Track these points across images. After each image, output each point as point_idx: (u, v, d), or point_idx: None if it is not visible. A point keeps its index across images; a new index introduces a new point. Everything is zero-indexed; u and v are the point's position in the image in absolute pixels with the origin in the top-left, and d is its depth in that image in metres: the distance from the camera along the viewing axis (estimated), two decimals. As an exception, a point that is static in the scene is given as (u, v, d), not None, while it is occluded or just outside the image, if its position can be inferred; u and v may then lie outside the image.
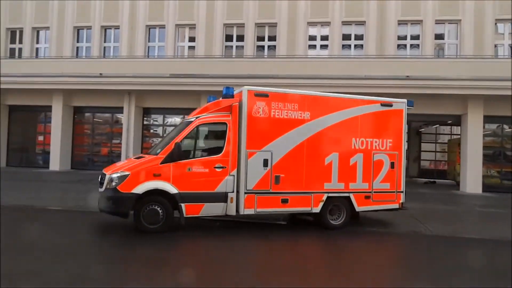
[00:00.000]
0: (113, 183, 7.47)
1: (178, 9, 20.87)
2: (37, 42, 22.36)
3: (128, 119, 20.33)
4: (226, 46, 20.64)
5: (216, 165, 7.90)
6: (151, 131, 21.62)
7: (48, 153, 21.09)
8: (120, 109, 20.53)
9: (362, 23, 19.54)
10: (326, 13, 19.69)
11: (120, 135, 20.84)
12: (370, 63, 17.95)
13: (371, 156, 8.78)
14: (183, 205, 7.68)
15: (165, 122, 21.30)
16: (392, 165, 8.92)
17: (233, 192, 7.91)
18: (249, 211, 7.98)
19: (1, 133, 21.98)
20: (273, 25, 20.18)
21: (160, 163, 7.64)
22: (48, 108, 21.18)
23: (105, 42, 21.67)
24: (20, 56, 22.08)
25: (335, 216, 8.71)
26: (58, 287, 4.76)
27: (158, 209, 7.64)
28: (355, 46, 19.67)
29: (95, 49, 21.41)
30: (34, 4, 22.11)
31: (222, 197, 7.86)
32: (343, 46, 19.68)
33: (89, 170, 20.76)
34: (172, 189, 7.62)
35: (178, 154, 7.66)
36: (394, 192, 8.91)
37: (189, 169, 7.75)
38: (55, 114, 20.88)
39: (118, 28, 21.39)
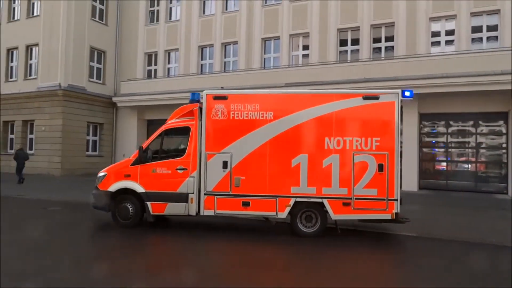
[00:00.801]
0: (96, 182, 8.49)
1: (292, 19, 21.26)
2: (168, 63, 24.99)
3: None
4: (340, 52, 20.32)
5: (178, 167, 8.17)
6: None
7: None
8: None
9: (495, 12, 17.38)
10: (451, 6, 18.03)
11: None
12: (507, 56, 15.77)
13: (351, 157, 7.63)
14: (149, 203, 8.21)
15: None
16: (381, 167, 7.49)
17: (193, 193, 8.04)
18: (209, 212, 8.01)
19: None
20: (390, 25, 19.22)
21: (130, 165, 8.33)
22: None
23: (225, 57, 23.17)
24: (155, 76, 24.95)
25: (309, 224, 7.91)
26: (63, 287, 4.95)
27: (129, 206, 8.37)
28: (488, 38, 17.56)
29: (216, 64, 23.03)
30: (166, 29, 24.79)
31: (183, 198, 8.06)
32: (473, 40, 17.74)
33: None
34: (139, 188, 8.23)
35: (143, 157, 8.23)
36: (384, 199, 7.46)
37: (154, 170, 8.24)
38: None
39: (237, 44, 22.68)
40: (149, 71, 25.47)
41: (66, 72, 23.13)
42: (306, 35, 21.07)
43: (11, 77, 25.59)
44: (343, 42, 20.26)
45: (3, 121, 25.46)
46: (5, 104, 24.96)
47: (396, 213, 7.48)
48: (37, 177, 20.83)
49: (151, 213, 8.28)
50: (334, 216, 7.70)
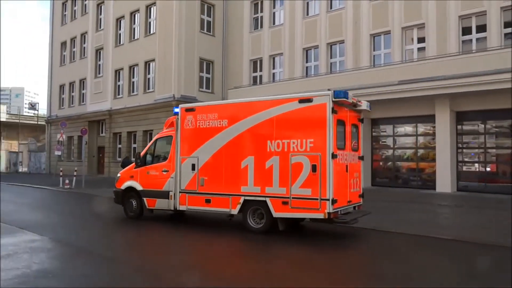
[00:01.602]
0: (115, 182, 10.88)
1: (404, 11, 19.64)
2: (273, 68, 25.03)
3: (357, 131, 20.21)
4: (463, 41, 18.11)
5: (163, 169, 9.95)
6: (381, 142, 20.87)
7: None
8: (348, 122, 20.60)
9: None
10: None
11: (349, 148, 20.88)
12: None
13: (289, 158, 8.21)
14: (145, 199, 10.20)
15: (395, 132, 20.21)
16: (314, 168, 7.94)
17: (172, 191, 9.68)
18: (183, 208, 9.46)
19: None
20: (526, 5, 16.53)
21: (134, 168, 10.52)
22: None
23: (331, 58, 22.39)
24: (261, 82, 25.19)
25: (259, 220, 8.63)
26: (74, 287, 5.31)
27: (133, 201, 10.46)
28: None
29: (322, 66, 22.37)
30: (270, 34, 24.90)
31: (166, 195, 9.77)
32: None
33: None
34: (139, 187, 10.34)
35: (140, 161, 10.36)
36: (317, 199, 7.89)
37: (148, 172, 10.26)
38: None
39: (343, 43, 21.75)
40: (255, 78, 25.81)
41: (179, 84, 24.57)
42: (421, 27, 19.26)
43: (133, 91, 28.10)
44: (466, 31, 18.02)
45: (113, 133, 28.14)
46: (127, 117, 27.49)
47: (329, 213, 7.79)
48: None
49: (147, 207, 10.23)
50: (275, 214, 8.31)
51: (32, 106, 48.78)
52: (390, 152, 20.20)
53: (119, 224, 9.86)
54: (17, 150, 45.12)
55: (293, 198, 8.14)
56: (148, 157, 10.39)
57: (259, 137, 8.59)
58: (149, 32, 26.95)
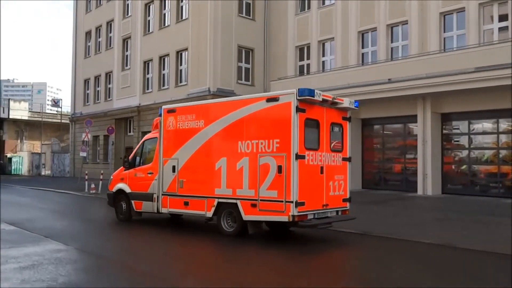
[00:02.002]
0: (108, 184, 12.29)
1: (482, -17, 18.75)
2: (323, 55, 24.67)
3: (424, 129, 19.57)
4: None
5: (149, 171, 11.13)
6: (453, 141, 20.11)
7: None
8: (413, 118, 20.03)
9: None
10: None
11: (414, 148, 20.27)
12: None
13: (257, 159, 8.96)
14: (132, 201, 11.50)
15: (471, 129, 19.35)
16: (280, 169, 8.66)
17: (156, 193, 10.78)
18: (165, 210, 10.59)
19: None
20: None
21: (124, 171, 11.89)
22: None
23: (392, 42, 21.76)
24: (308, 72, 24.90)
25: (232, 223, 9.40)
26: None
27: (123, 204, 11.80)
28: None
29: (381, 52, 21.78)
30: (319, 16, 24.56)
31: (151, 197, 10.91)
32: None
33: (381, 190, 20.93)
34: (127, 189, 11.66)
35: (128, 163, 11.75)
36: (282, 201, 8.58)
37: (135, 174, 11.53)
38: (343, 129, 22.28)
39: (406, 24, 21.07)
40: (301, 67, 25.58)
41: (215, 76, 24.75)
42: (503, 3, 18.29)
43: (163, 85, 28.63)
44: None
45: (142, 131, 28.62)
46: (157, 113, 27.99)
47: (293, 216, 8.42)
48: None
49: (134, 209, 11.49)
50: (245, 217, 9.06)
51: (55, 103, 50.85)
52: (465, 153, 19.49)
53: (150, 233, 10.14)
54: (39, 151, 47.30)
55: (261, 200, 8.87)
56: (137, 159, 11.76)
57: (231, 138, 9.47)
58: (181, 17, 27.32)
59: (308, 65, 25.13)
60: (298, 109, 8.56)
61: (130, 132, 32.03)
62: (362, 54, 22.91)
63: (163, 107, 11.01)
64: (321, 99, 8.86)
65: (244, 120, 9.30)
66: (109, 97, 34.20)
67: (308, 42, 25.00)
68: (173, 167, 10.44)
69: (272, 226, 10.16)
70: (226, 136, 9.57)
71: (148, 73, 30.14)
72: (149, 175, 11.11)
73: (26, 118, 50.74)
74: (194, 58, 25.81)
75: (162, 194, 10.61)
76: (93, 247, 8.54)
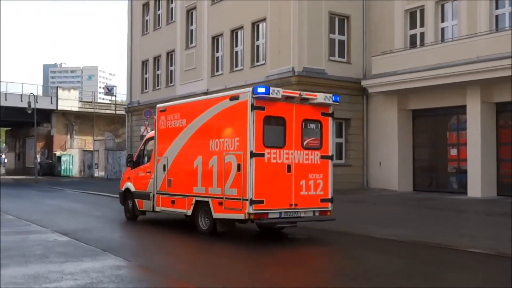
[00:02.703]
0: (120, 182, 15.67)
1: None
2: (442, 20, 23.70)
3: None
4: None
5: (147, 170, 13.95)
6: None
7: (465, 172, 21.82)
8: None
9: None
10: None
11: None
12: None
13: (223, 158, 11.19)
14: (136, 200, 14.24)
15: None
16: (239, 167, 10.77)
17: (152, 192, 13.43)
18: (158, 209, 13.23)
19: (403, 148, 24.60)
20: None
21: (130, 169, 14.91)
22: (461, 110, 21.97)
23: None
24: (422, 44, 24.07)
25: (209, 222, 11.57)
26: None
27: (129, 202, 14.67)
28: None
29: (523, 13, 20.49)
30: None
31: (149, 196, 13.58)
32: None
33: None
34: (132, 188, 14.55)
35: (132, 163, 14.84)
36: (240, 199, 10.68)
37: (138, 173, 14.47)
38: (471, 117, 21.39)
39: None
40: (412, 37, 24.86)
41: (301, 52, 24.69)
42: None
43: (236, 65, 29.13)
44: None
45: None
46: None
47: (248, 213, 10.47)
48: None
49: (138, 208, 14.26)
50: (214, 215, 11.33)
51: (109, 91, 53.59)
52: None
53: (223, 248, 10.52)
54: (91, 149, 50.10)
55: (225, 198, 11.09)
56: (140, 158, 14.70)
57: (205, 137, 11.87)
58: (258, -20, 27.48)
59: (422, 33, 24.31)
60: (254, 107, 10.62)
61: (196, 124, 32.93)
62: (497, 16, 21.69)
63: (158, 106, 13.90)
64: (280, 96, 10.76)
65: (213, 119, 11.72)
66: (171, 82, 35.46)
67: (422, 4, 24.18)
68: (164, 166, 13.10)
69: (261, 226, 12.14)
70: (201, 135, 12.03)
71: (217, 51, 30.83)
72: (148, 174, 13.99)
73: (77, 109, 53.96)
74: (274, 30, 25.96)
75: (156, 193, 13.34)
76: (159, 264, 8.91)
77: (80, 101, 56.53)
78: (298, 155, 11.14)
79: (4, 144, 74.90)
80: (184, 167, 12.45)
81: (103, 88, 63.58)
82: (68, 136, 54.48)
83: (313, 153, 11.34)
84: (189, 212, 12.13)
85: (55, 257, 8.94)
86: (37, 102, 42.21)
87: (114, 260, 8.80)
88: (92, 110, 53.65)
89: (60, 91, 54.40)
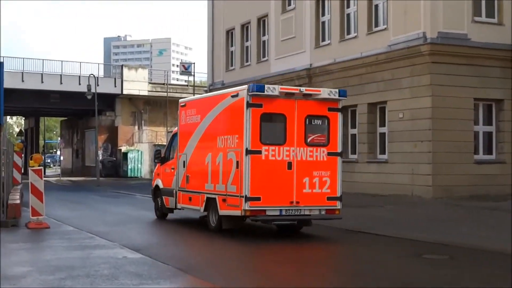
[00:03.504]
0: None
1: None
2: None
3: None
4: None
5: (172, 167, 17.48)
6: None
7: None
8: None
9: None
10: None
11: None
12: None
13: (227, 154, 14.40)
14: (163, 197, 17.83)
15: None
16: (238, 164, 13.81)
17: (175, 189, 16.93)
18: (179, 206, 16.83)
19: None
20: None
21: (160, 165, 18.79)
22: None
23: None
24: None
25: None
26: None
27: (159, 199, 18.37)
28: None
29: None
30: None
31: (173, 193, 17.11)
32: None
33: None
34: (161, 185, 18.24)
35: (160, 158, 18.69)
36: (237, 196, 13.69)
37: (165, 170, 18.16)
38: None
39: None
40: None
41: (434, 13, 24.14)
42: None
43: (347, 32, 29.11)
44: None
45: None
46: (338, 79, 28.38)
47: (244, 210, 13.45)
48: (394, 200, 22.97)
49: (165, 206, 17.70)
50: (220, 212, 14.33)
51: (185, 70, 54.17)
52: None
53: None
54: (164, 143, 50.92)
55: (228, 195, 14.05)
56: (167, 154, 18.35)
57: (214, 134, 15.04)
58: None
59: None
60: (250, 105, 13.44)
61: (296, 110, 33.07)
62: None
63: (180, 100, 17.67)
64: (277, 93, 13.51)
65: (220, 115, 14.88)
66: (263, 57, 35.91)
67: None
68: (184, 163, 16.47)
69: (279, 226, 15.11)
70: (211, 131, 15.21)
71: (323, 15, 30.84)
72: (172, 170, 17.38)
73: (146, 93, 55.03)
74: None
75: (178, 190, 16.69)
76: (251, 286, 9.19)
77: (150, 83, 57.41)
78: (301, 152, 13.79)
79: (59, 138, 78.23)
80: (198, 164, 15.78)
81: (178, 66, 64.68)
82: (136, 127, 55.59)
83: (319, 150, 13.94)
84: (202, 209, 15.39)
85: (126, 278, 9.25)
86: (98, 85, 44.01)
87: (196, 283, 9.09)
88: (164, 94, 54.48)
89: (125, 71, 55.66)
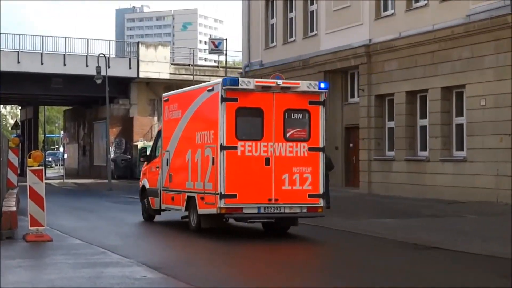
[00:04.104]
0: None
1: None
2: None
3: None
4: None
5: (157, 165, 20.20)
6: None
7: None
8: None
9: None
10: None
11: None
12: None
13: (204, 151, 16.57)
14: (149, 198, 20.51)
15: None
16: (213, 161, 15.89)
17: (159, 188, 19.66)
18: (163, 206, 19.46)
19: None
20: None
21: (146, 164, 21.92)
22: None
23: None
24: None
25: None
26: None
27: (145, 200, 21.13)
28: None
29: None
30: None
31: (157, 192, 19.70)
32: None
33: None
34: (147, 185, 21.05)
35: (145, 157, 22.25)
36: (214, 194, 15.73)
37: (151, 168, 21.15)
38: None
39: None
40: None
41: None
42: None
43: (417, 0, 28.78)
44: None
45: (376, 95, 29.75)
46: (405, 58, 28.28)
47: (220, 208, 15.50)
48: (475, 208, 22.75)
49: (151, 207, 20.16)
50: (199, 210, 16.62)
51: (216, 47, 53.95)
52: None
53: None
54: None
55: (205, 193, 16.09)
56: (153, 152, 20.97)
57: (193, 129, 17.20)
58: None
59: None
60: (224, 99, 15.41)
61: (353, 95, 33.21)
62: None
63: (163, 95, 20.20)
64: (253, 87, 15.50)
65: (198, 110, 17.08)
66: (311, 31, 35.83)
67: None
68: (167, 160, 18.89)
69: (266, 226, 17.58)
70: (191, 127, 17.43)
71: (385, -21, 30.61)
72: (157, 169, 19.94)
73: (167, 76, 54.70)
74: None
75: (161, 189, 19.18)
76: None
77: (173, 64, 57.58)
78: (279, 148, 15.81)
79: (62, 132, 78.36)
80: (180, 161, 18.16)
81: (206, 43, 64.55)
82: (155, 117, 55.64)
83: (299, 145, 15.96)
84: (183, 209, 17.70)
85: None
86: (109, 67, 43.58)
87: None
88: (190, 78, 53.25)
89: (142, 50, 55.39)
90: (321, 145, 16.03)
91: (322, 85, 15.97)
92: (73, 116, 68.99)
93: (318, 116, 15.86)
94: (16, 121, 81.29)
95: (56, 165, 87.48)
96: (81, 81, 50.17)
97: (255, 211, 15.53)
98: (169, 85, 53.94)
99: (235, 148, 15.38)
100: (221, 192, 15.30)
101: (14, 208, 16.59)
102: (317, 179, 15.81)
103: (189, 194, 17.06)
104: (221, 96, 15.35)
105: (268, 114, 15.57)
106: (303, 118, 15.90)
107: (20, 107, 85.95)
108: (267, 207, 15.46)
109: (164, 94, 20.12)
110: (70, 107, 69.26)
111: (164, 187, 18.85)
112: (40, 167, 16.51)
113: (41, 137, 79.43)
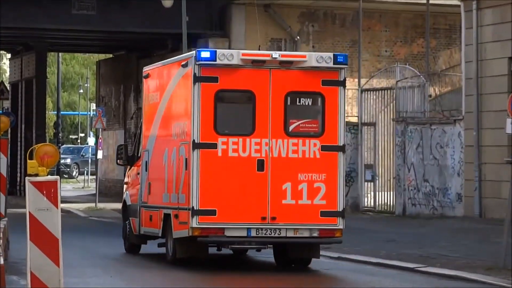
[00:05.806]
0: None
1: None
2: None
3: None
4: None
5: (138, 171, 16.97)
6: None
7: None
8: None
9: None
10: None
11: None
12: None
13: (179, 149, 13.96)
14: (131, 219, 17.30)
15: None
16: (186, 163, 13.28)
17: (139, 204, 16.79)
18: (142, 230, 16.17)
19: None
20: None
21: (129, 169, 18.69)
22: None
23: None
24: None
25: None
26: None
27: (127, 223, 18.03)
28: None
29: None
30: None
31: (137, 211, 16.78)
32: None
33: None
34: (128, 200, 17.99)
35: (125, 158, 18.15)
36: (186, 209, 13.23)
37: (132, 176, 18.10)
38: None
39: None
40: None
41: None
42: None
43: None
44: None
45: None
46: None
47: (192, 228, 12.88)
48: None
49: (133, 232, 17.18)
50: (173, 233, 14.05)
51: None
52: None
53: None
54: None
55: (179, 208, 14.11)
56: (136, 150, 17.48)
57: (169, 120, 15.18)
58: None
59: None
60: (198, 79, 13.29)
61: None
62: None
63: (144, 69, 17.04)
64: (237, 62, 12.98)
65: (174, 93, 14.91)
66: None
67: None
68: (146, 164, 16.21)
69: (279, 257, 14.86)
70: (168, 117, 15.19)
71: None
72: (138, 175, 16.97)
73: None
74: None
75: (140, 205, 16.05)
76: None
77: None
78: (279, 146, 13.06)
79: (93, 106, 54.24)
80: (157, 164, 15.57)
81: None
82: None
83: (307, 142, 13.15)
84: (160, 233, 14.93)
85: None
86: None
87: None
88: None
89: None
90: (341, 142, 12.81)
91: (340, 58, 12.63)
92: (115, 75, 46.53)
93: (336, 101, 12.66)
94: (1, 82, 54.32)
95: (82, 172, 61.21)
96: (132, 4, 33.47)
97: (243, 234, 12.62)
98: (308, 10, 36.60)
99: (214, 146, 12.56)
100: (193, 207, 12.68)
101: (1, 261, 9.30)
102: (334, 190, 12.71)
103: (165, 211, 14.42)
104: (194, 74, 12.73)
105: (262, 100, 12.53)
106: (314, 104, 12.91)
107: (9, 55, 57.94)
108: (260, 229, 12.55)
109: (144, 68, 16.42)
110: (110, 56, 48.21)
111: (142, 202, 15.73)
112: (54, 178, 8.69)
113: (51, 116, 53.90)
